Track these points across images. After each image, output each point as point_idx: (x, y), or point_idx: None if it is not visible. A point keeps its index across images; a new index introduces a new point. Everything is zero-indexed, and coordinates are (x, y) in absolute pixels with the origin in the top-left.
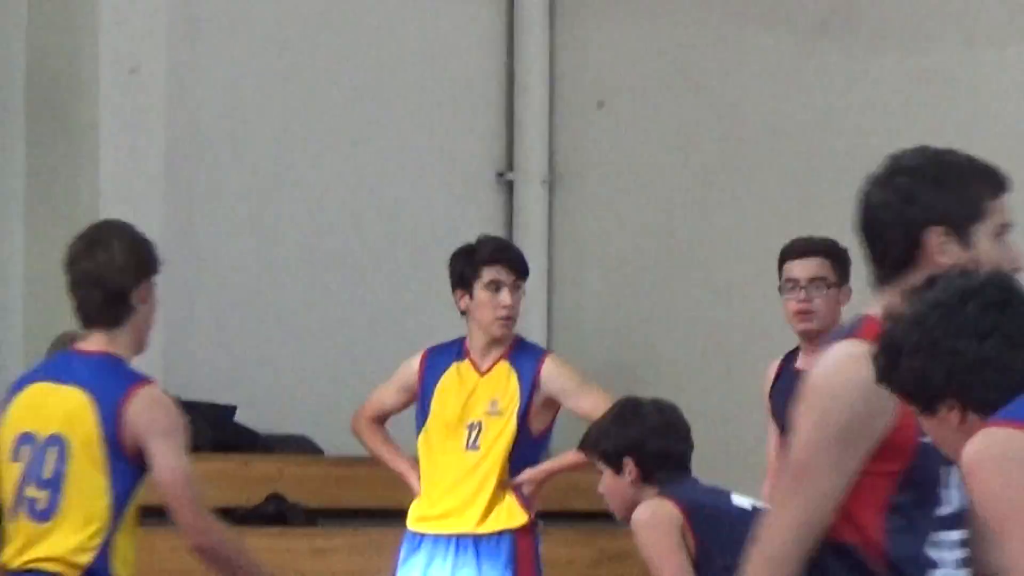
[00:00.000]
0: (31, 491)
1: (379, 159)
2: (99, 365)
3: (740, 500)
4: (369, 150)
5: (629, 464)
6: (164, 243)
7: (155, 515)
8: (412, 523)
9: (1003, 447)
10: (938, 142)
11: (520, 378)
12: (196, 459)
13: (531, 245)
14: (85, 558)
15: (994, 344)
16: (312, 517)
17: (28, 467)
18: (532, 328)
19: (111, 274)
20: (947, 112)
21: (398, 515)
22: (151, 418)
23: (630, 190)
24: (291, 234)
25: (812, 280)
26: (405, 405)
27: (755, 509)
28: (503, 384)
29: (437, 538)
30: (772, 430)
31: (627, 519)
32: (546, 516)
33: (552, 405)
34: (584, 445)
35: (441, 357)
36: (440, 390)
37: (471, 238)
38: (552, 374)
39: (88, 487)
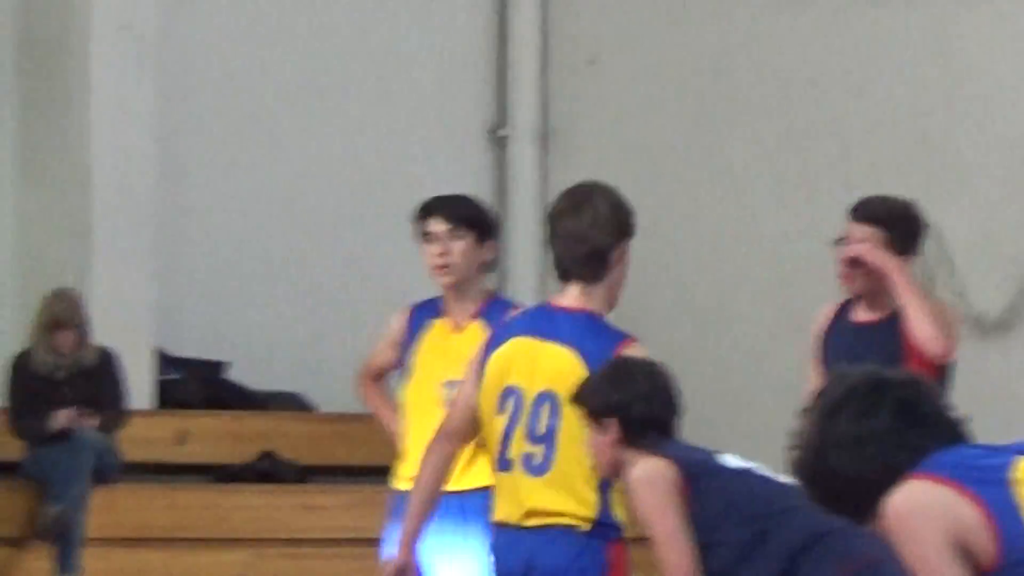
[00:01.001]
0: (527, 447)
1: (370, 115)
2: (584, 323)
3: (730, 459)
4: (360, 106)
5: (612, 425)
6: (156, 200)
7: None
8: (398, 483)
9: (922, 499)
10: (928, 93)
11: None
12: (188, 416)
13: (523, 201)
14: (592, 511)
15: (872, 452)
16: (303, 474)
17: (513, 421)
18: (526, 285)
19: (595, 232)
20: (939, 65)
21: (391, 472)
22: None
23: (622, 146)
24: (282, 191)
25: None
26: (397, 362)
27: (745, 468)
28: (478, 342)
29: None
30: (815, 371)
31: (607, 477)
32: None
33: None
34: (573, 398)
35: (422, 313)
36: (420, 348)
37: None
38: None
39: (577, 442)
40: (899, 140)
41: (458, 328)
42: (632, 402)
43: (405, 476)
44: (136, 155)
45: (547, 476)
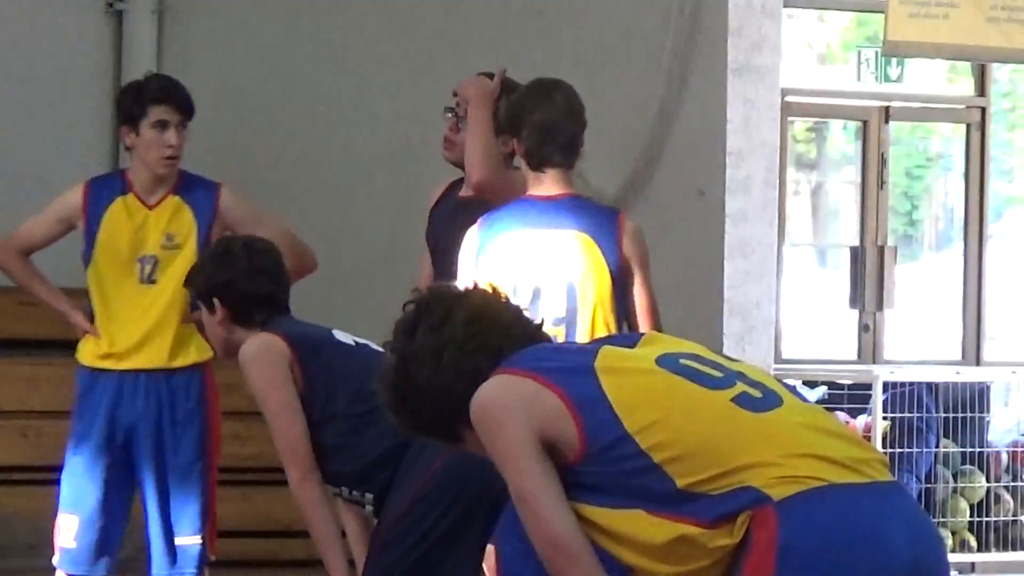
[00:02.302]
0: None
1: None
2: (578, 206)
3: (341, 335)
4: None
5: (218, 304)
6: None
7: None
8: (89, 360)
9: (503, 392)
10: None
11: (195, 210)
12: None
13: (139, 75)
14: None
15: (450, 359)
16: None
17: (532, 310)
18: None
19: (570, 120)
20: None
21: (59, 347)
22: (639, 249)
23: (239, 21)
24: None
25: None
26: (57, 238)
27: (357, 344)
28: (176, 217)
29: (123, 374)
30: (424, 247)
31: (225, 355)
32: None
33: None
34: (184, 283)
35: (104, 190)
36: (107, 223)
37: (80, 69)
38: (231, 204)
39: (600, 323)
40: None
41: (152, 205)
42: (232, 281)
43: (99, 354)
44: None
45: None
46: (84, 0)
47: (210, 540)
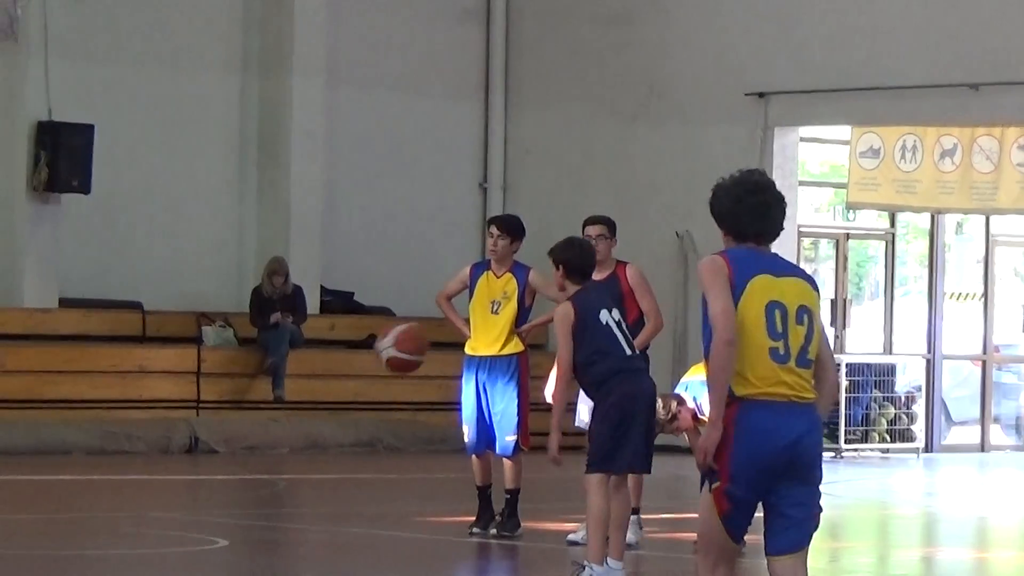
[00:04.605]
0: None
1: (406, 176)
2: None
3: (603, 315)
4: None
5: (560, 268)
6: (320, 214)
7: None
8: (468, 350)
9: (711, 262)
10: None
11: (517, 280)
12: (334, 317)
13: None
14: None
15: (749, 206)
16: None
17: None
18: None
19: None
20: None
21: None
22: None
23: (542, 196)
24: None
25: (599, 235)
26: (461, 291)
27: (604, 322)
28: (509, 283)
29: (482, 358)
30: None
31: (557, 299)
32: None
33: (533, 292)
34: (549, 253)
35: (478, 268)
36: (479, 284)
37: (464, 223)
38: (535, 279)
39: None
40: (678, 192)
41: (499, 276)
42: (570, 258)
43: (471, 348)
44: (312, 191)
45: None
46: (467, 184)
47: (523, 437)
